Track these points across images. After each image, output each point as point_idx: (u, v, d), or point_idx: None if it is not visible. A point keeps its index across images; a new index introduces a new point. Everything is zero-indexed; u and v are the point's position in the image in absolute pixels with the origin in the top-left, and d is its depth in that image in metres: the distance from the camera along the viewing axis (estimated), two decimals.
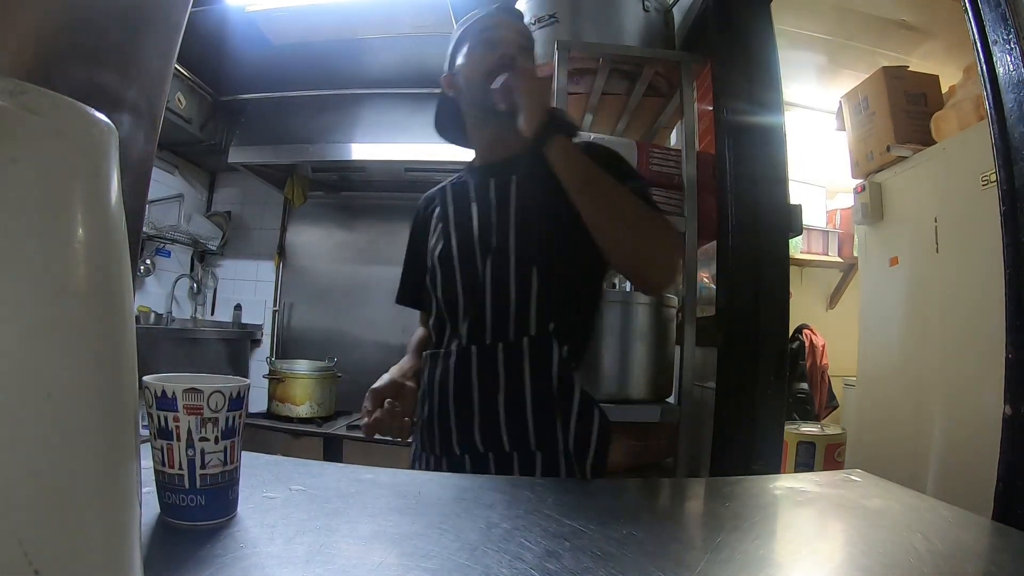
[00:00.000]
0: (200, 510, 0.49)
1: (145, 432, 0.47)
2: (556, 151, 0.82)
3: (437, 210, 1.01)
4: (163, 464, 0.49)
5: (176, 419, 0.47)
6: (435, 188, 1.08)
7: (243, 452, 0.52)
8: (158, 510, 0.50)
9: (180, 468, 0.48)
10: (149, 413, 0.48)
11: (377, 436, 0.84)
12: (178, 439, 0.48)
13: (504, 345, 0.83)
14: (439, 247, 0.94)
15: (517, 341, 0.83)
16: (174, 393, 0.47)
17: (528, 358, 0.82)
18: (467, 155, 1.06)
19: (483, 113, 0.96)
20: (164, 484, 0.49)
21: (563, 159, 0.82)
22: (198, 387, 0.48)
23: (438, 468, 0.88)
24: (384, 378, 0.93)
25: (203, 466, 0.49)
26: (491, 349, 0.84)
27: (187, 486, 0.48)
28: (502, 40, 0.96)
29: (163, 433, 0.48)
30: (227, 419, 0.50)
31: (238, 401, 0.51)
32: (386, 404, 0.83)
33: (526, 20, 1.65)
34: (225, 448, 0.50)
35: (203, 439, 0.48)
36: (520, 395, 0.82)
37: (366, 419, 0.85)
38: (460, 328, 0.88)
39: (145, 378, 0.49)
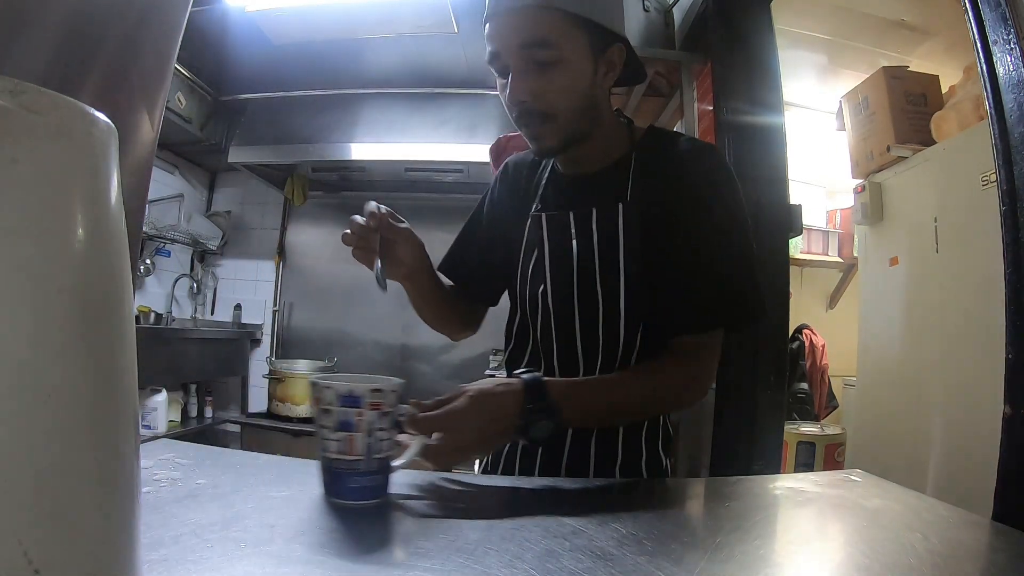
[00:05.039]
0: (377, 489, 0.59)
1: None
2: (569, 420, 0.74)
3: (530, 227, 0.90)
4: (342, 452, 0.56)
5: (360, 414, 0.56)
6: (530, 170, 0.95)
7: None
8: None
9: (360, 454, 0.57)
10: (326, 410, 0.56)
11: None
12: (359, 430, 0.56)
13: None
14: (539, 285, 0.87)
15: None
16: (361, 392, 0.57)
17: None
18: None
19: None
20: (341, 470, 0.57)
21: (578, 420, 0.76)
22: (381, 387, 0.58)
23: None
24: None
25: (379, 452, 0.58)
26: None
27: (363, 469, 0.57)
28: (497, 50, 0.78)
29: (344, 426, 0.56)
30: (393, 413, 0.60)
31: (401, 397, 0.61)
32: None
33: None
34: (391, 436, 0.60)
35: (380, 429, 0.58)
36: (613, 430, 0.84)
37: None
38: (548, 359, 0.88)
39: (320, 380, 0.57)
